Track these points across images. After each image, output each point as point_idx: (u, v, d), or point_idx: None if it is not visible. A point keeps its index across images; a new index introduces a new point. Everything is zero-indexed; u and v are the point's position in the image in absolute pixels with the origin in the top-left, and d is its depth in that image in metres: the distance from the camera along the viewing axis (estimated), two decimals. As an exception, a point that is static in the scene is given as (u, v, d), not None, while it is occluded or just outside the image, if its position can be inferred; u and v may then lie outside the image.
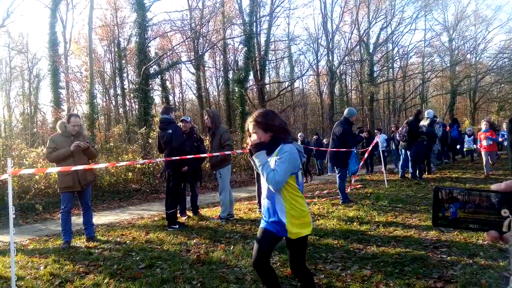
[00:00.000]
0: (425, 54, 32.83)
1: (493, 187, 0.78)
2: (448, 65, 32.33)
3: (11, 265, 3.62)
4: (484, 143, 10.85)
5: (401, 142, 11.13)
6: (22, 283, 4.07)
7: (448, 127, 15.35)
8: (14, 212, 3.69)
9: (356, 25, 28.61)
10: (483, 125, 11.16)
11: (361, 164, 11.49)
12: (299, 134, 15.06)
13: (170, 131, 6.56)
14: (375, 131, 15.94)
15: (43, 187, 11.05)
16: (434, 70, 32.60)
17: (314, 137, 16.57)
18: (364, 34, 28.68)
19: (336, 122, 8.67)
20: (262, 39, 23.97)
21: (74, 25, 37.48)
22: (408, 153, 10.81)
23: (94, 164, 7.06)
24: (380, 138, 13.18)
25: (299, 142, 8.86)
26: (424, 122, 11.33)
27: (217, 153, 6.77)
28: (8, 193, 3.78)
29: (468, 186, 9.16)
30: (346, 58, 28.72)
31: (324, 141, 15.86)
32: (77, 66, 26.86)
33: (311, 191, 10.37)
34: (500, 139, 13.01)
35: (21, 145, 12.67)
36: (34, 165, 11.12)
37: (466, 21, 33.44)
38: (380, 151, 13.01)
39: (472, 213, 0.79)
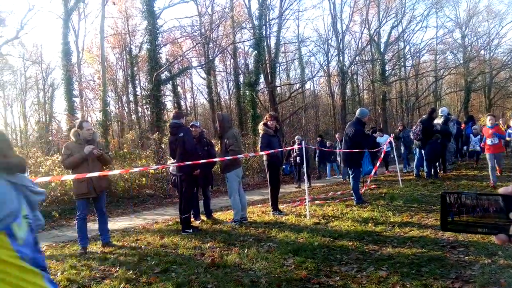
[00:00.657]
0: (437, 52, 32.45)
1: (501, 190, 0.78)
2: (462, 61, 31.88)
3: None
4: (489, 142, 8.99)
5: (415, 141, 10.99)
6: (40, 289, 4.14)
7: (463, 125, 15.09)
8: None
9: (366, 25, 28.42)
10: (488, 120, 9.40)
11: (378, 164, 11.39)
12: (296, 137, 13.82)
13: (182, 134, 6.59)
14: (377, 132, 15.13)
15: (59, 194, 11.23)
16: (447, 68, 32.16)
17: (318, 139, 16.07)
18: (375, 34, 28.48)
19: (349, 123, 8.61)
20: (272, 41, 24.00)
21: (86, 34, 38.25)
22: (423, 152, 10.68)
23: (108, 170, 7.15)
24: (382, 139, 12.87)
25: (296, 145, 8.64)
26: (438, 120, 11.16)
27: (229, 157, 6.78)
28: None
29: (484, 184, 8.99)
30: (357, 58, 28.54)
31: (327, 143, 15.40)
32: (90, 74, 27.28)
33: (324, 193, 10.31)
34: (508, 138, 11.74)
35: (36, 153, 12.92)
36: (50, 172, 11.32)
37: (478, 16, 32.98)
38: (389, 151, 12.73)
39: (480, 217, 0.79)
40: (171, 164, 7.18)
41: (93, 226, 7.36)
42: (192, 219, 7.21)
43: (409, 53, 31.80)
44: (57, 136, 23.38)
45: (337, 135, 14.44)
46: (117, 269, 4.68)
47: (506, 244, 0.78)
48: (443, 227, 0.82)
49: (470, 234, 4.81)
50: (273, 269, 4.16)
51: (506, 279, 3.40)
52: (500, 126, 11.01)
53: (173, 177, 7.39)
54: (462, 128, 14.60)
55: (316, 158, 15.89)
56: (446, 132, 11.20)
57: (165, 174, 13.50)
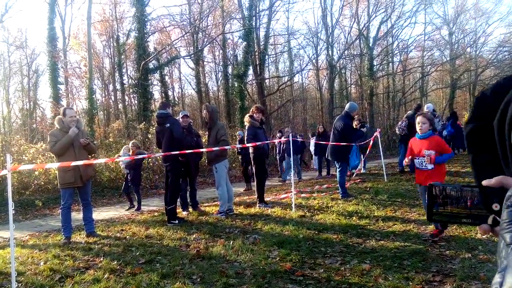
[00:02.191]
0: (425, 48, 32.68)
1: (484, 182, 0.81)
2: (448, 59, 32.20)
3: (11, 260, 3.63)
4: (417, 163, 4.87)
5: (400, 136, 11.12)
6: (23, 278, 4.09)
7: (446, 121, 15.28)
8: (13, 207, 3.70)
9: (356, 19, 28.44)
10: (418, 124, 5.03)
11: (363, 158, 11.46)
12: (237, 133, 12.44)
13: (169, 124, 6.57)
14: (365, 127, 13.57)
15: (42, 183, 11.08)
16: (434, 64, 32.45)
17: (278, 134, 13.37)
18: (364, 28, 28.52)
19: (337, 117, 8.65)
20: (262, 33, 23.85)
21: (73, 20, 37.35)
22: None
23: (94, 159, 7.07)
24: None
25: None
26: (423, 116, 11.28)
27: (217, 148, 6.77)
28: (7, 189, 3.78)
29: (467, 180, 9.16)
30: (345, 52, 28.58)
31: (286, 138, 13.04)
32: (76, 61, 26.72)
33: (310, 186, 10.38)
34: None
35: (20, 141, 12.69)
36: (34, 161, 11.14)
37: (466, 14, 33.25)
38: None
39: (464, 208, 0.81)
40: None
41: (77, 215, 7.30)
42: (180, 210, 7.20)
43: (397, 49, 31.98)
44: (41, 124, 22.94)
45: (286, 129, 13.66)
46: (101, 259, 4.66)
47: (488, 234, 0.80)
48: (429, 217, 0.85)
49: (453, 226, 4.93)
50: (258, 261, 4.19)
51: (485, 273, 3.49)
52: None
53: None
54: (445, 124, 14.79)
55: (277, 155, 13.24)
56: (431, 128, 11.33)
57: (151, 164, 13.41)
